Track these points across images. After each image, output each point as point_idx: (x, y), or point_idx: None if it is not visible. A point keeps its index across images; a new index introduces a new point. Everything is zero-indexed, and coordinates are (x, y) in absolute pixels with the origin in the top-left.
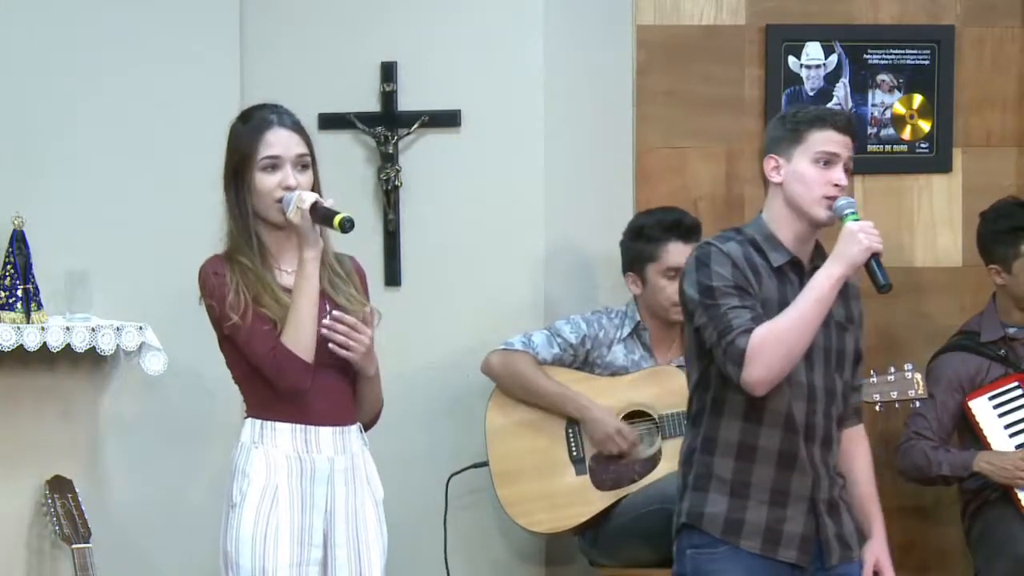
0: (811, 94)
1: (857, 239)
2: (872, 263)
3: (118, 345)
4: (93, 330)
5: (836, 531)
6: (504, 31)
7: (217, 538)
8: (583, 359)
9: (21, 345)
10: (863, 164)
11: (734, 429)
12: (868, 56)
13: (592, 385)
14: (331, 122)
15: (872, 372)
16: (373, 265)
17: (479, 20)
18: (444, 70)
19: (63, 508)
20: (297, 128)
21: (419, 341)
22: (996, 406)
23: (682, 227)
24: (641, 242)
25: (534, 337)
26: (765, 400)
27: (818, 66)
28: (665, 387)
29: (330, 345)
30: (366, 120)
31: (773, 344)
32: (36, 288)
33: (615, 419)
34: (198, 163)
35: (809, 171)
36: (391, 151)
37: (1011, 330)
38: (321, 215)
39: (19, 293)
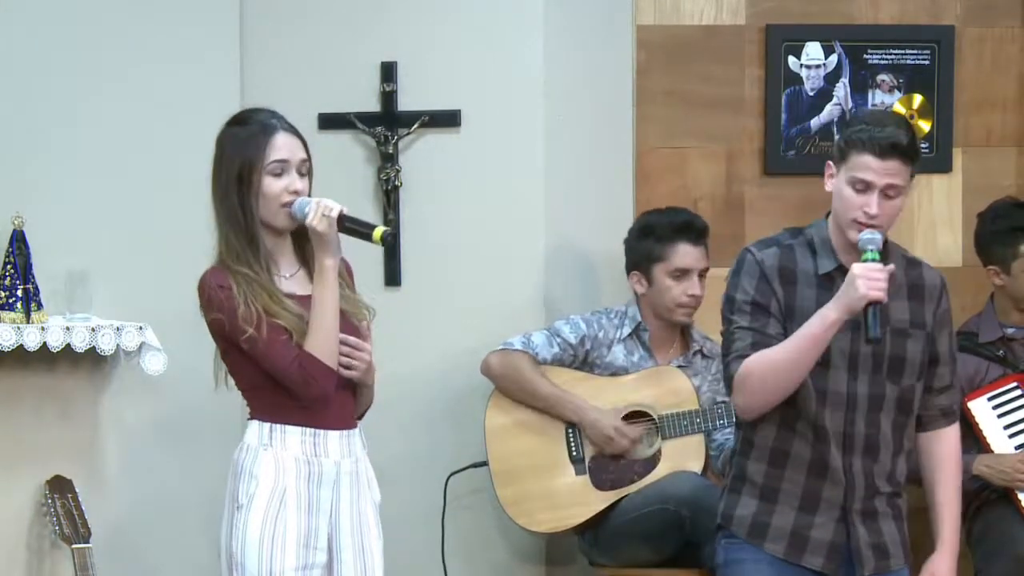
0: (811, 94)
1: (855, 285)
2: (868, 312)
3: (118, 345)
4: (93, 330)
5: (872, 540)
6: (504, 31)
7: (217, 538)
8: (583, 359)
9: (21, 345)
10: None
11: (769, 435)
12: (868, 56)
13: (592, 385)
14: (331, 122)
15: None
16: (373, 265)
17: (479, 20)
18: (444, 70)
19: (63, 508)
20: (298, 134)
21: (419, 341)
22: (995, 407)
23: (692, 229)
24: (649, 241)
25: (534, 337)
26: (799, 408)
27: (818, 66)
28: (665, 387)
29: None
30: (366, 120)
31: (759, 378)
32: (36, 288)
33: (613, 418)
34: (198, 163)
35: (846, 191)
36: (391, 151)
37: (1009, 330)
38: (352, 225)
39: (19, 293)
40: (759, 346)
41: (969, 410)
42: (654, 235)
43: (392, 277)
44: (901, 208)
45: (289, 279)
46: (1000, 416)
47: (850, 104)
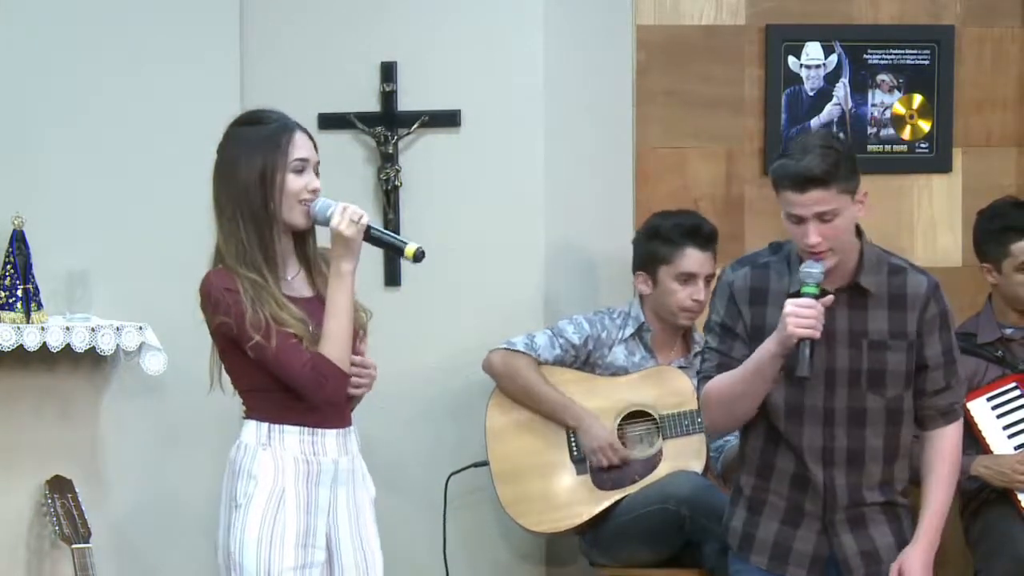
0: (811, 94)
1: (784, 323)
2: (800, 348)
3: (118, 345)
4: (93, 330)
5: (862, 548)
6: (504, 31)
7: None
8: (584, 359)
9: (21, 345)
10: (863, 164)
11: (756, 447)
12: (868, 56)
13: (593, 385)
14: (331, 122)
15: None
16: (373, 265)
17: (479, 20)
18: (444, 70)
19: (63, 508)
20: (310, 135)
21: (419, 341)
22: (994, 407)
23: (700, 234)
24: (657, 243)
25: (537, 338)
26: (780, 424)
27: (818, 66)
28: (666, 387)
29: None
30: (366, 120)
31: (716, 401)
32: (36, 288)
33: (609, 433)
34: (198, 163)
35: (787, 224)
36: (391, 151)
37: (1008, 331)
38: (380, 235)
39: (19, 293)
40: (723, 368)
41: (968, 411)
42: (662, 237)
43: (392, 277)
44: (847, 227)
45: (291, 280)
46: (999, 416)
47: (850, 104)
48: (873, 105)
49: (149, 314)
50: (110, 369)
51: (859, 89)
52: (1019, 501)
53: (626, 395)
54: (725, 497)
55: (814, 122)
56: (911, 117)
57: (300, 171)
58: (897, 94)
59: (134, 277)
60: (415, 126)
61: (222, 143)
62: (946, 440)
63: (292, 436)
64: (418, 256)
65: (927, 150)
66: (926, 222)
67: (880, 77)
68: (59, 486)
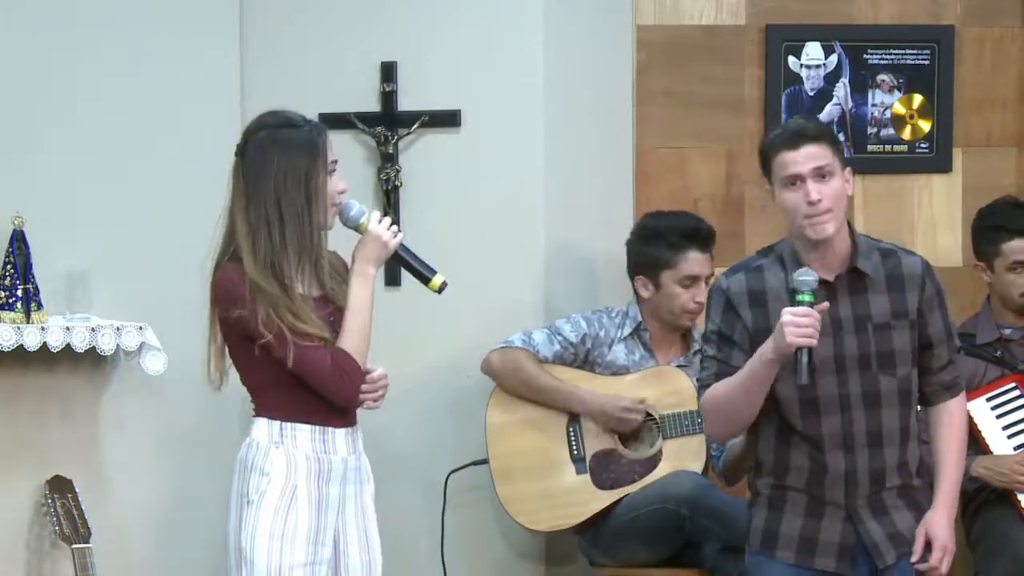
0: (811, 94)
1: (782, 333)
2: (798, 356)
3: (118, 345)
4: (93, 330)
5: (888, 531)
6: (504, 31)
7: (217, 537)
8: (583, 358)
9: (21, 345)
10: (863, 164)
11: (768, 449)
12: (868, 56)
13: (593, 384)
14: (331, 122)
15: None
16: None
17: (479, 20)
18: (444, 70)
19: (63, 508)
20: None
21: (419, 341)
22: (994, 407)
23: (700, 236)
24: (657, 247)
25: (534, 336)
26: (794, 421)
27: (818, 66)
28: (666, 387)
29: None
30: (366, 120)
31: (714, 409)
32: (36, 288)
33: (616, 400)
34: (198, 163)
35: (786, 195)
36: (391, 151)
37: (1007, 331)
38: (408, 259)
39: (19, 293)
40: (722, 375)
41: (968, 411)
42: (663, 241)
43: (392, 277)
44: (844, 191)
45: (300, 281)
46: (999, 417)
47: (850, 104)
48: (873, 105)
49: (149, 314)
50: (110, 369)
51: (859, 89)
52: (1019, 501)
53: (626, 395)
54: (725, 497)
55: None
56: (911, 117)
57: (333, 172)
58: (897, 94)
59: (134, 277)
60: (415, 126)
61: (253, 145)
62: (954, 412)
63: (304, 434)
64: (442, 289)
65: (927, 150)
66: (926, 222)
67: (880, 77)
68: (59, 486)
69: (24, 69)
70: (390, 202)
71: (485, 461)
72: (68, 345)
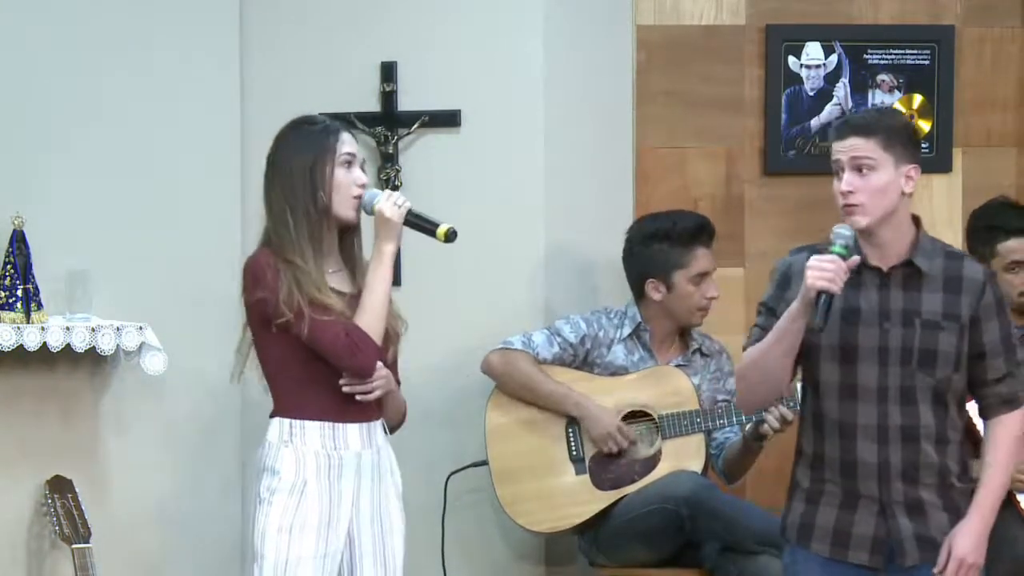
0: (811, 94)
1: (805, 275)
2: (818, 300)
3: (118, 345)
4: (93, 330)
5: (918, 532)
6: (504, 31)
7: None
8: (583, 359)
9: (21, 345)
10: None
11: (808, 440)
12: (868, 56)
13: (593, 385)
14: None
15: None
16: None
17: (479, 20)
18: (444, 70)
19: (63, 508)
20: (355, 137)
21: (419, 341)
22: None
23: (706, 232)
24: (666, 247)
25: (534, 337)
26: (830, 410)
27: (818, 66)
28: (665, 387)
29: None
30: (366, 120)
31: (748, 366)
32: (36, 288)
33: (614, 418)
34: (198, 163)
35: (834, 184)
36: (391, 151)
37: None
38: (418, 221)
39: (19, 293)
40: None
41: (968, 412)
42: (671, 241)
43: (392, 277)
44: (884, 189)
45: (332, 274)
46: None
47: (850, 104)
48: (873, 105)
49: (149, 314)
50: (110, 369)
51: (859, 89)
52: (1019, 502)
53: (626, 394)
54: (725, 497)
55: (814, 122)
56: (911, 117)
57: (348, 165)
58: (897, 94)
59: (134, 277)
60: (415, 126)
61: (273, 147)
62: (1008, 427)
63: (313, 431)
64: (450, 236)
65: (927, 150)
66: (926, 222)
67: (880, 77)
68: (59, 486)
69: (24, 69)
70: None
71: (485, 463)
72: (68, 345)
